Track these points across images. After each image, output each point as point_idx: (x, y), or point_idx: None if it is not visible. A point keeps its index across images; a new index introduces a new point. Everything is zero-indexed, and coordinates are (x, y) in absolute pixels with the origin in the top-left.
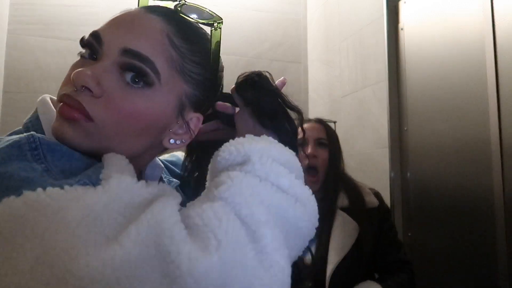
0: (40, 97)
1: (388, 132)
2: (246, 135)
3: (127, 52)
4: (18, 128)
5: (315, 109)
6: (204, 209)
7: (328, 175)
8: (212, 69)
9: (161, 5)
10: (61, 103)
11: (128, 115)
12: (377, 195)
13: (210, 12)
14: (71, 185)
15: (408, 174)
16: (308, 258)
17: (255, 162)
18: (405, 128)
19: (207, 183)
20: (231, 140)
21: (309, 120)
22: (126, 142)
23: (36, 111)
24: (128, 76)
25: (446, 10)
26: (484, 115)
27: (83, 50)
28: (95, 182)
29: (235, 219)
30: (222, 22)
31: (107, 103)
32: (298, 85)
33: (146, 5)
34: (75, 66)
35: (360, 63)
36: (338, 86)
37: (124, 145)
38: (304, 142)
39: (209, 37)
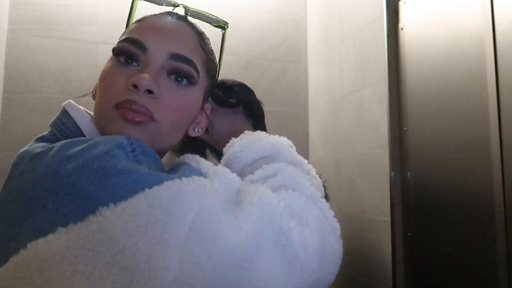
0: (67, 102)
1: (388, 132)
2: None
3: (175, 56)
4: (46, 133)
5: (315, 109)
6: (290, 196)
7: None
8: (220, 64)
9: (168, 10)
10: (122, 109)
11: (181, 111)
12: None
13: (216, 17)
14: (188, 177)
15: (408, 174)
16: None
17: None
18: (405, 128)
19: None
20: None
21: None
22: (175, 135)
23: (65, 114)
24: (173, 76)
25: (446, 10)
26: (484, 115)
27: (118, 57)
28: (199, 174)
29: (315, 208)
30: (228, 24)
31: (163, 103)
32: (298, 85)
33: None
34: (115, 72)
35: (360, 63)
36: (338, 86)
37: (173, 139)
38: None
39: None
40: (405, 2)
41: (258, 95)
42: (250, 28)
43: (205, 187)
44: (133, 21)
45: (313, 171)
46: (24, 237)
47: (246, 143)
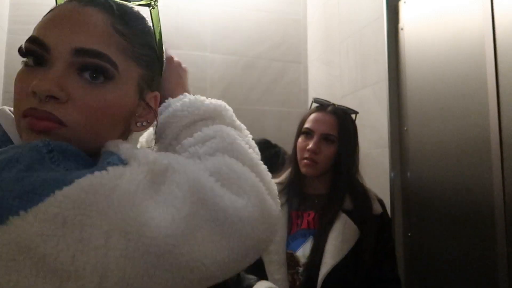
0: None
1: (388, 132)
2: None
3: (79, 51)
4: None
5: None
6: (226, 163)
7: (335, 174)
8: (159, 47)
9: None
10: (28, 117)
11: (98, 111)
12: (380, 202)
13: None
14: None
15: (408, 174)
16: (302, 255)
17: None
18: (405, 128)
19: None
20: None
21: (324, 109)
22: (102, 136)
23: None
24: (86, 74)
25: (446, 10)
26: (484, 115)
27: (25, 59)
28: (119, 162)
29: (250, 172)
30: (157, 1)
31: (75, 106)
32: (298, 85)
33: None
34: (22, 77)
35: (360, 63)
36: (338, 86)
37: (100, 140)
38: (310, 134)
39: (143, 15)
40: (405, 2)
41: (258, 95)
42: (250, 28)
43: (121, 177)
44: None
45: (250, 137)
46: None
47: (189, 102)
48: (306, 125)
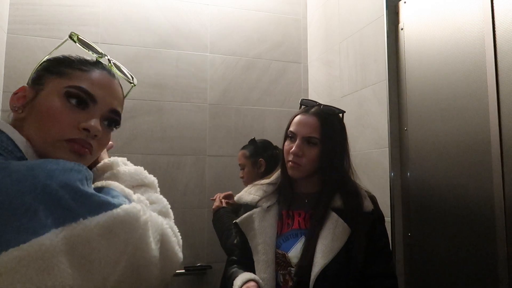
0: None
1: (388, 132)
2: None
3: (113, 111)
4: None
5: None
6: (167, 223)
7: (323, 174)
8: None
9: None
10: (73, 143)
11: (105, 146)
12: (372, 199)
13: (129, 74)
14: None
15: (408, 174)
16: (294, 256)
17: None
18: (405, 128)
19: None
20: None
21: (307, 111)
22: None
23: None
24: (106, 122)
25: (446, 10)
26: (484, 115)
27: (72, 99)
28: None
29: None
30: (134, 83)
31: (100, 142)
32: (298, 85)
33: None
34: (66, 112)
35: (360, 63)
36: (338, 86)
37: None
38: (293, 137)
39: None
40: (405, 2)
41: (258, 95)
42: (250, 28)
43: (142, 211)
44: (76, 65)
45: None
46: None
47: (137, 169)
48: (290, 128)
